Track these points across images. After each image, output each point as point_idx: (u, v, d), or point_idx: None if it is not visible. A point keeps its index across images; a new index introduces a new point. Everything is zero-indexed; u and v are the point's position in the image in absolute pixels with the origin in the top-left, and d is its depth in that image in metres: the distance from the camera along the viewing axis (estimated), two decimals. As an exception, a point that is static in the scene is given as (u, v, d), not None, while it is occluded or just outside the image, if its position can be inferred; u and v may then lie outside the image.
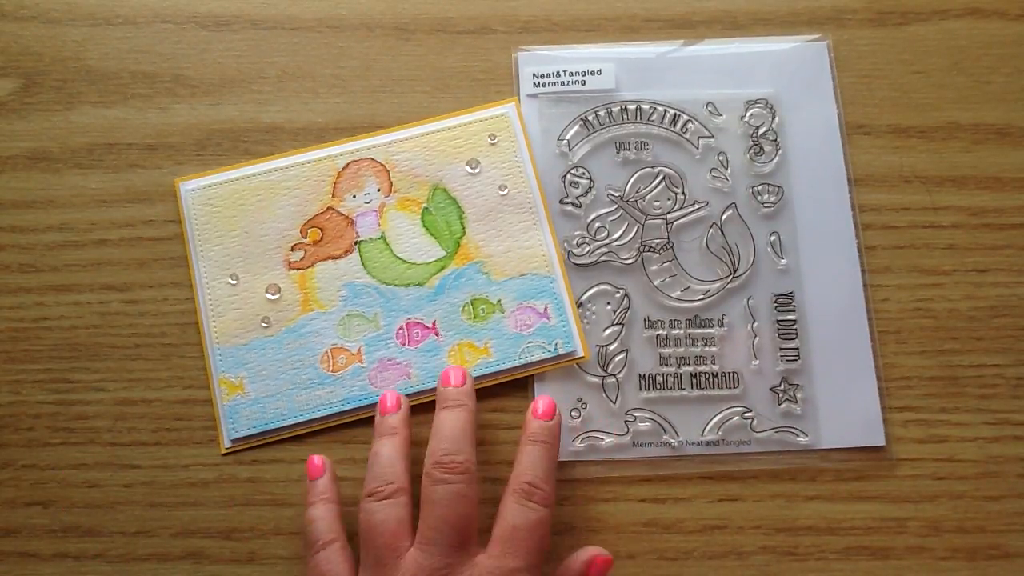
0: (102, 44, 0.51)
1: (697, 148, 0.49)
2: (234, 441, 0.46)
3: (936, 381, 0.47)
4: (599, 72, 0.50)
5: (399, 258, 0.48)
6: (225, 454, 0.46)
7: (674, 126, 0.50)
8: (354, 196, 0.49)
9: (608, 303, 0.48)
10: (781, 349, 0.47)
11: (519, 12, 0.52)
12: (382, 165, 0.49)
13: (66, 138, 0.50)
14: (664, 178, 0.49)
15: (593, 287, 0.48)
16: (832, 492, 0.45)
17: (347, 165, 0.49)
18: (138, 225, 0.49)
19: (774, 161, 0.49)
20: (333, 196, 0.49)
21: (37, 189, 0.49)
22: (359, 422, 0.46)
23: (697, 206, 0.49)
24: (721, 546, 0.45)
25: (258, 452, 0.46)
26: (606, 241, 0.48)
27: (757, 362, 0.47)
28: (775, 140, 0.49)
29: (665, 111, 0.50)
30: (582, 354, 0.46)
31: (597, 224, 0.48)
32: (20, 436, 0.46)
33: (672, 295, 0.48)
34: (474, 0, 0.52)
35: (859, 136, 0.50)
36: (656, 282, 0.48)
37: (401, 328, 0.47)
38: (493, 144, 0.49)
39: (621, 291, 0.48)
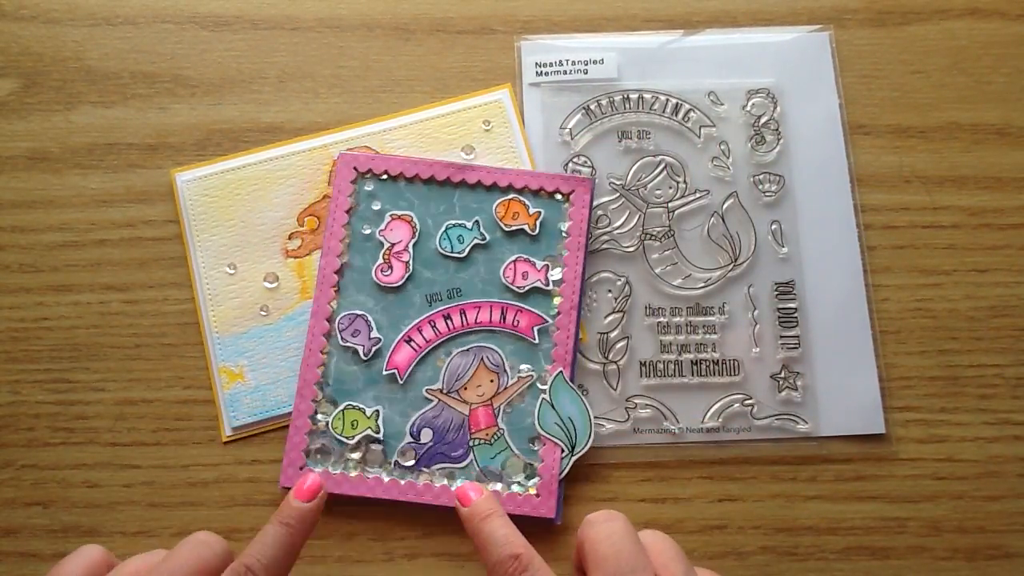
0: (102, 44, 0.51)
1: (699, 137, 0.49)
2: (235, 429, 0.46)
3: (936, 381, 0.47)
4: (601, 61, 0.50)
5: None
6: (226, 443, 0.46)
7: (676, 115, 0.50)
8: None
9: (609, 290, 0.48)
10: (781, 337, 0.47)
11: (519, 12, 0.52)
12: (377, 153, 0.49)
13: (66, 138, 0.50)
14: (665, 167, 0.49)
15: (595, 275, 0.48)
16: (832, 492, 0.45)
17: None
18: (138, 225, 0.49)
19: (775, 150, 0.49)
20: (329, 184, 0.49)
21: (37, 189, 0.49)
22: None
23: (698, 195, 0.49)
24: (721, 546, 0.45)
25: (258, 452, 0.46)
26: (608, 229, 0.48)
27: (757, 350, 0.47)
28: (776, 129, 0.49)
29: (667, 100, 0.50)
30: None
31: (599, 212, 0.49)
32: (20, 436, 0.46)
33: (673, 283, 0.48)
34: (474, 0, 0.52)
35: (859, 136, 0.50)
36: (657, 270, 0.48)
37: None
38: (487, 130, 0.49)
39: (622, 279, 0.48)
